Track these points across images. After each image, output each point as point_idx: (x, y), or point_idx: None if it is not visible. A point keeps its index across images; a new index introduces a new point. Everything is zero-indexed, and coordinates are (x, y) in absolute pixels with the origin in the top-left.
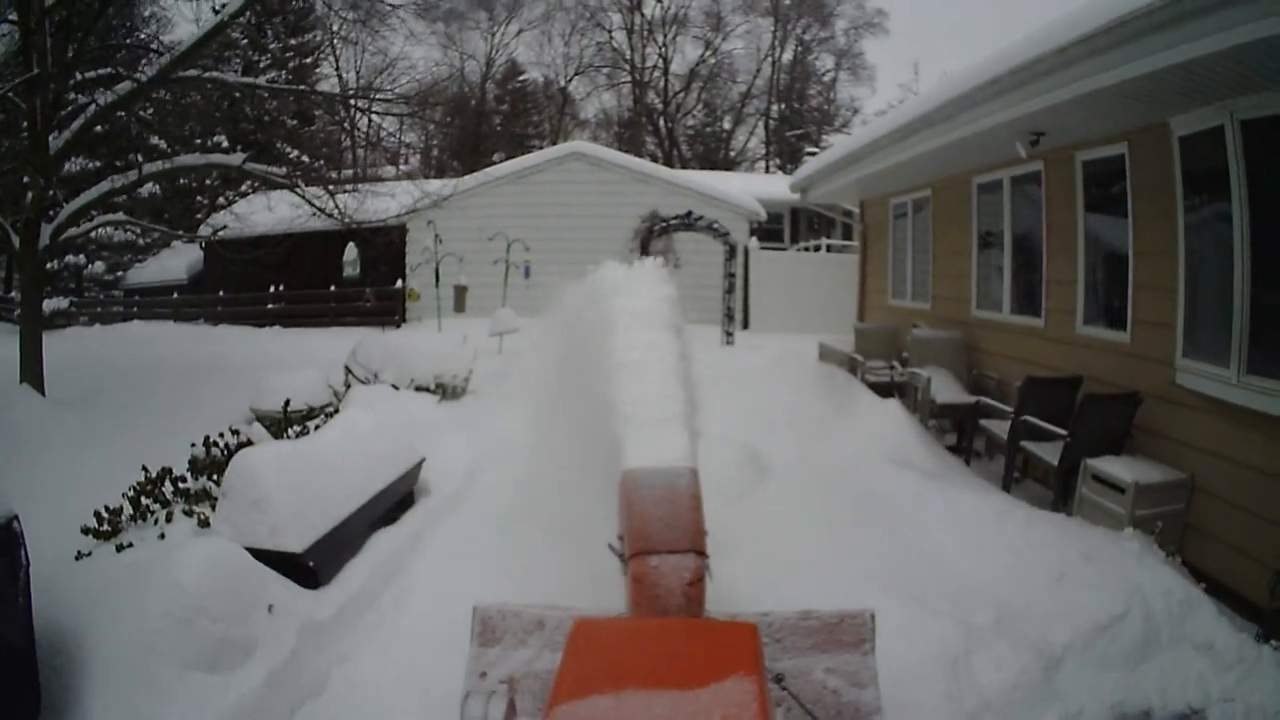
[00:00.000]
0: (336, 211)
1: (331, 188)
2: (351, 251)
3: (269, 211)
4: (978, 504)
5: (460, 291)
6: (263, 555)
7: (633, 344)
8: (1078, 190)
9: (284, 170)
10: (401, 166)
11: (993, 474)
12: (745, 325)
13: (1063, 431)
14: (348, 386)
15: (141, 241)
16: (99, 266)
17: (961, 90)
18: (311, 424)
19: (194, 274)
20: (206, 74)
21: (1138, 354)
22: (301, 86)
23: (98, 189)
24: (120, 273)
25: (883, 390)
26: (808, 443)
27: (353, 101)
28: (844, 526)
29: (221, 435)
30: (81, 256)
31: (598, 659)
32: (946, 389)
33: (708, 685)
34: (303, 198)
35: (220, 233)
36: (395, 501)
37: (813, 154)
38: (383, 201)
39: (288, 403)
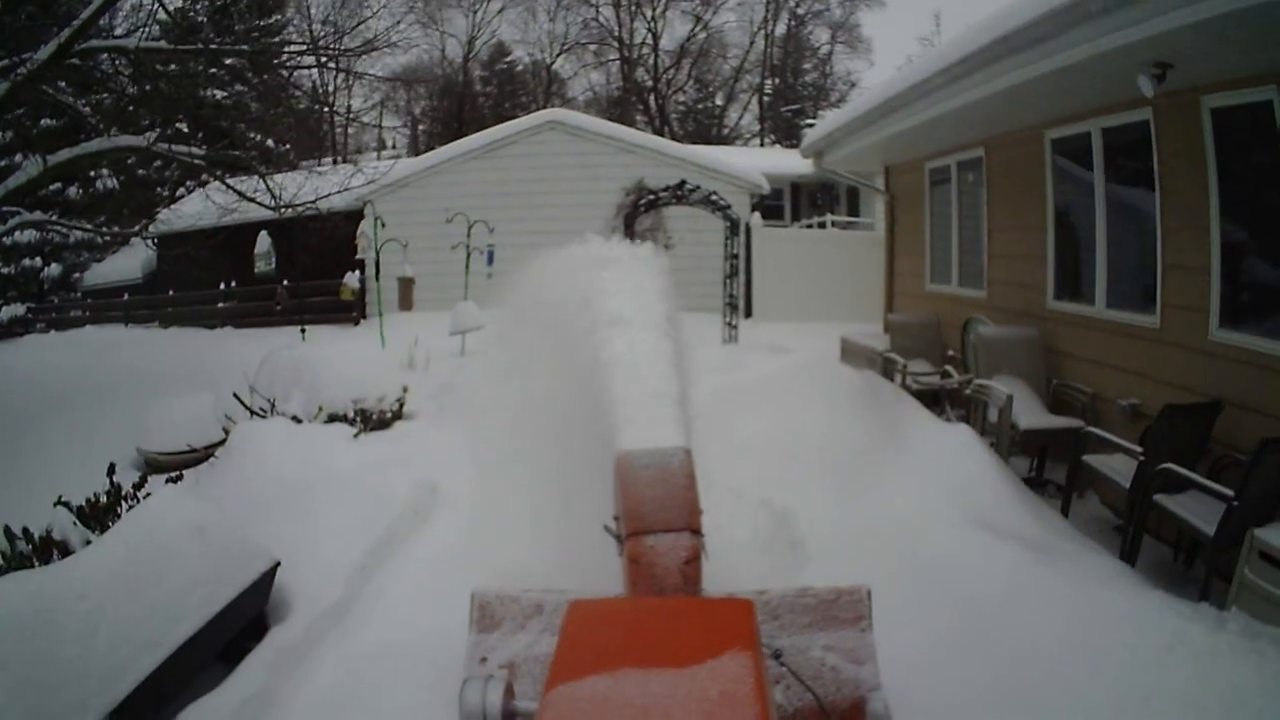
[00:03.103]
0: (270, 198)
1: (267, 172)
2: (264, 242)
3: (205, 202)
4: (1114, 604)
5: (405, 285)
6: None
7: (622, 328)
8: (1207, 146)
9: (204, 152)
10: (384, 152)
11: (1087, 519)
12: (748, 313)
13: (1225, 491)
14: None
15: (100, 240)
16: (55, 269)
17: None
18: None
19: (148, 273)
20: (109, 42)
21: None
22: (243, 47)
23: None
24: (77, 274)
25: (926, 400)
26: (852, 493)
27: (322, 60)
28: (923, 647)
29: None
30: (38, 259)
31: (594, 640)
32: (1028, 408)
33: (704, 662)
34: (223, 183)
35: (149, 227)
36: (223, 644)
37: (811, 125)
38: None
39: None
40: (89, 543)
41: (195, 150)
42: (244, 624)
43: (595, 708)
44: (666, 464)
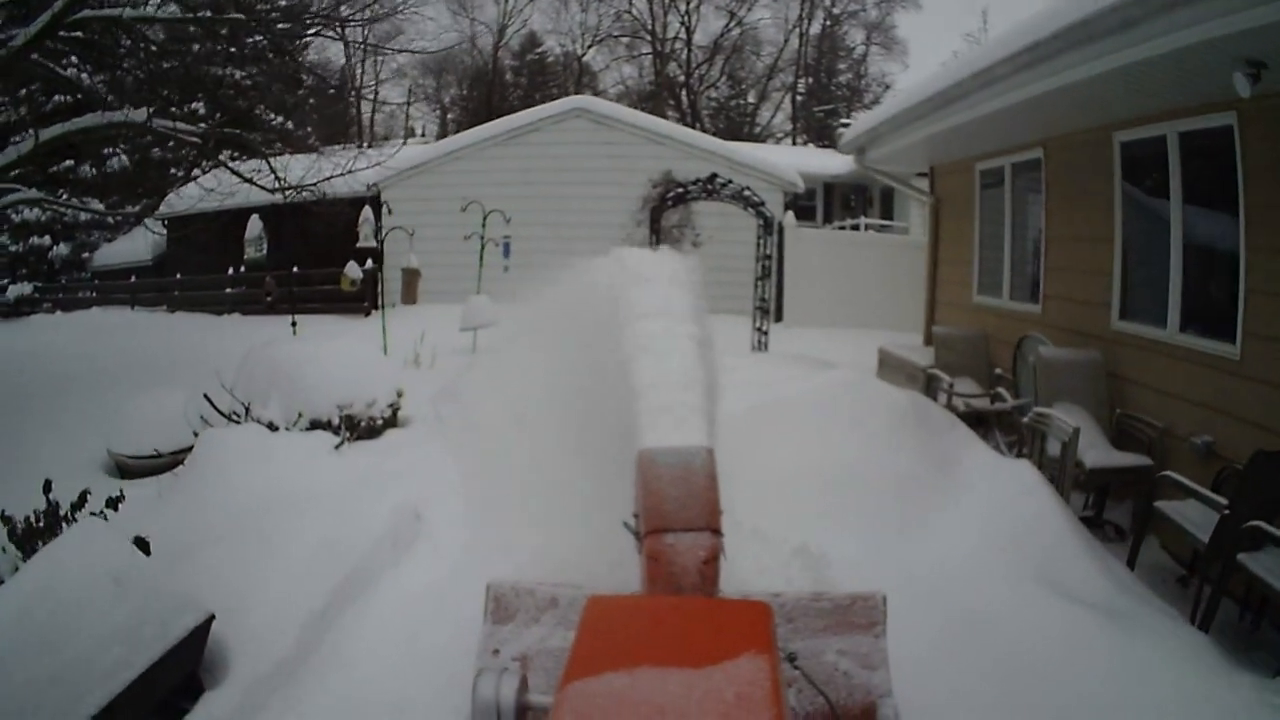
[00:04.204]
0: (274, 180)
1: (271, 153)
2: (255, 227)
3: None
4: (1193, 689)
5: (410, 276)
6: None
7: (649, 329)
8: None
9: (202, 130)
10: (411, 140)
11: (1148, 566)
12: (778, 317)
13: None
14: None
15: (110, 220)
16: (65, 248)
17: None
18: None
19: (158, 255)
20: (100, 13)
21: None
22: (235, 15)
23: None
24: (87, 254)
25: (970, 423)
26: (900, 537)
27: (345, 30)
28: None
29: None
30: (48, 238)
31: (611, 636)
32: (1092, 442)
33: (721, 663)
34: (224, 164)
35: (152, 209)
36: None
37: (847, 124)
38: (361, 173)
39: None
40: (17, 569)
41: (193, 128)
42: (170, 689)
43: (611, 704)
44: (689, 462)
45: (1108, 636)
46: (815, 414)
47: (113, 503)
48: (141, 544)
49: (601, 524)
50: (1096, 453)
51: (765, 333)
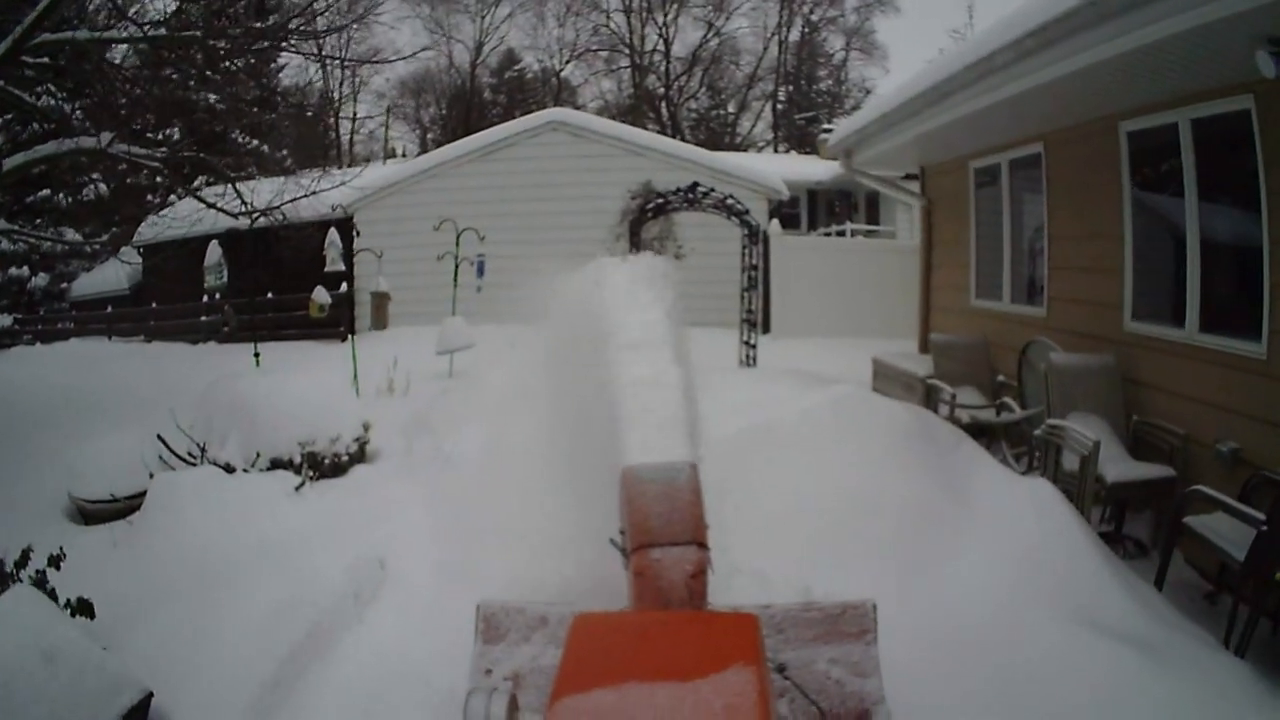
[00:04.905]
0: (240, 204)
1: (237, 177)
2: (214, 254)
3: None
4: None
5: (380, 300)
6: None
7: (631, 344)
8: None
9: (162, 155)
10: (390, 161)
11: (1172, 583)
12: (766, 328)
13: None
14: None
15: (88, 249)
16: (43, 279)
17: None
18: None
19: (134, 284)
20: (58, 36)
21: None
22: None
23: None
24: (65, 285)
25: (973, 434)
26: (911, 572)
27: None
28: None
29: None
30: (25, 269)
31: (598, 652)
32: (1111, 454)
33: (709, 675)
34: (184, 189)
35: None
36: None
37: (829, 130)
38: (326, 194)
39: None
40: None
41: (152, 153)
42: None
43: None
44: (673, 478)
45: (1144, 674)
46: (812, 436)
47: (54, 561)
48: (85, 607)
49: (583, 553)
50: (1117, 466)
51: (753, 346)
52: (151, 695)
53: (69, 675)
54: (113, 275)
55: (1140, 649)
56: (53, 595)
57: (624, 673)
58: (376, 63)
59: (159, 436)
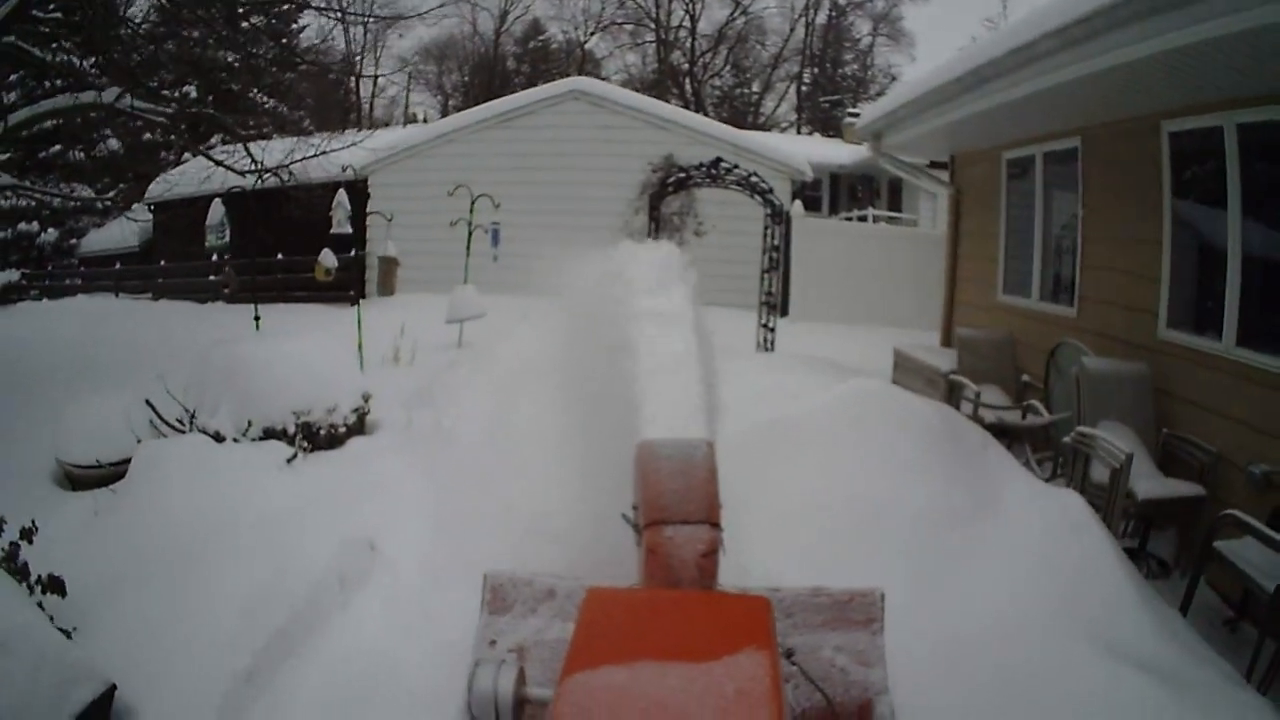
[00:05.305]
0: (252, 162)
1: (248, 136)
2: (216, 213)
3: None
4: None
5: (387, 265)
6: None
7: (653, 321)
8: None
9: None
10: (411, 125)
11: (1193, 606)
12: (784, 312)
13: None
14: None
15: (99, 205)
16: (52, 234)
17: None
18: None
19: (145, 241)
20: None
21: None
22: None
23: None
24: (74, 240)
25: (995, 434)
26: (932, 583)
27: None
28: None
29: None
30: (35, 224)
31: (611, 629)
32: (1141, 469)
33: (721, 658)
34: (200, 151)
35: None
36: None
37: (856, 115)
38: (337, 154)
39: None
40: None
41: (162, 109)
42: None
43: (611, 698)
44: (690, 455)
45: (1167, 707)
46: (834, 433)
47: (26, 534)
48: (56, 584)
49: (587, 539)
50: (1148, 481)
51: (772, 330)
52: (115, 688)
53: (27, 665)
54: (124, 232)
55: (1163, 679)
56: (25, 569)
57: (636, 651)
58: (396, 19)
59: (148, 402)
